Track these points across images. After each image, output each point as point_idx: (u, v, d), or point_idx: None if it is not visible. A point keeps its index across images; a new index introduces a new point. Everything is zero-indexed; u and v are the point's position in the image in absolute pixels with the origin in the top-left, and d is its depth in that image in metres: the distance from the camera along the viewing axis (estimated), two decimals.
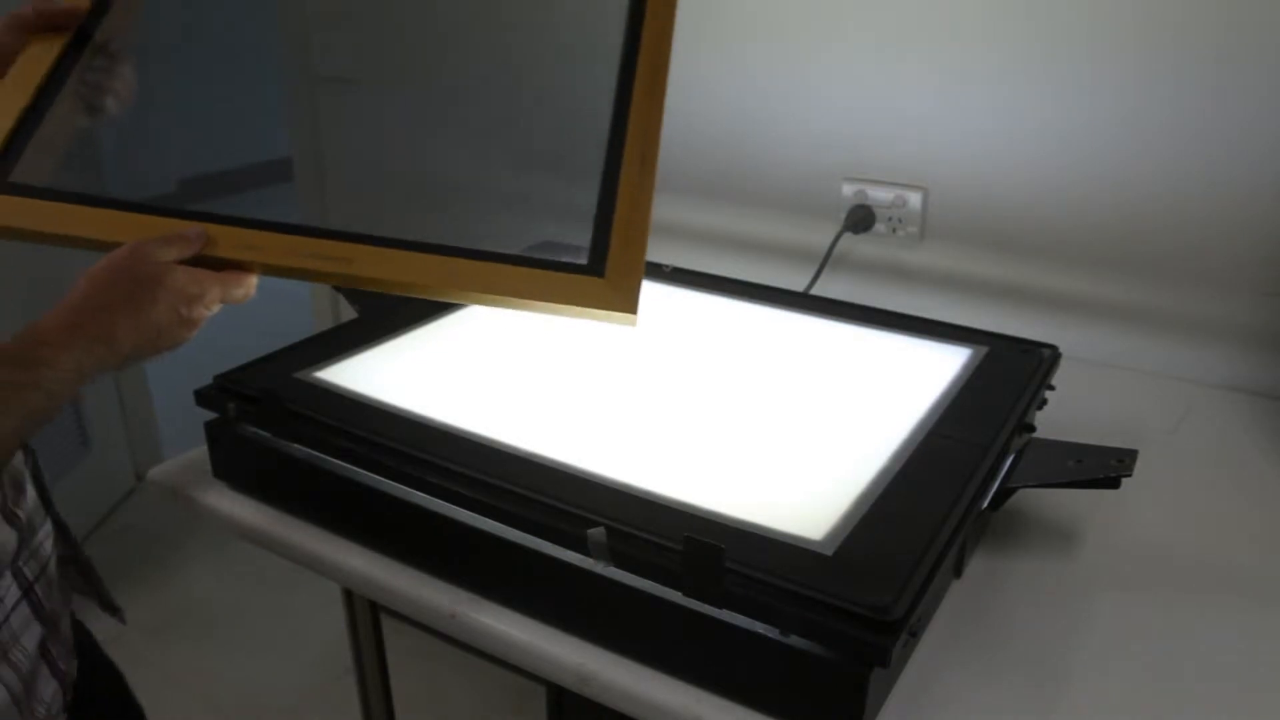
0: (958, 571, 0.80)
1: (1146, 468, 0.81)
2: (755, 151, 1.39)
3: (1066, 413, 0.99)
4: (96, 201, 0.74)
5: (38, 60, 0.80)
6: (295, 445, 0.85)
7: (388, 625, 1.20)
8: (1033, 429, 0.94)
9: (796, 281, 1.32)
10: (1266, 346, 1.15)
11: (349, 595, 1.18)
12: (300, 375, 0.92)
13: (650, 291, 1.15)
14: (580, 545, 0.70)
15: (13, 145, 0.76)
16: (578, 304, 0.68)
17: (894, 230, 1.33)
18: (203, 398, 0.92)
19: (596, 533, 0.69)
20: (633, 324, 0.68)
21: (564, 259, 0.71)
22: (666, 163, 1.16)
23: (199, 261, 0.70)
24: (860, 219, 1.35)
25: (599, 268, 0.70)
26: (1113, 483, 0.79)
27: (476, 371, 0.97)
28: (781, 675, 0.65)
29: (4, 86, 0.79)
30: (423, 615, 0.79)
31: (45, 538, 0.76)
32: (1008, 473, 0.81)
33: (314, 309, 2.38)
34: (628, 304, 0.68)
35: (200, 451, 0.95)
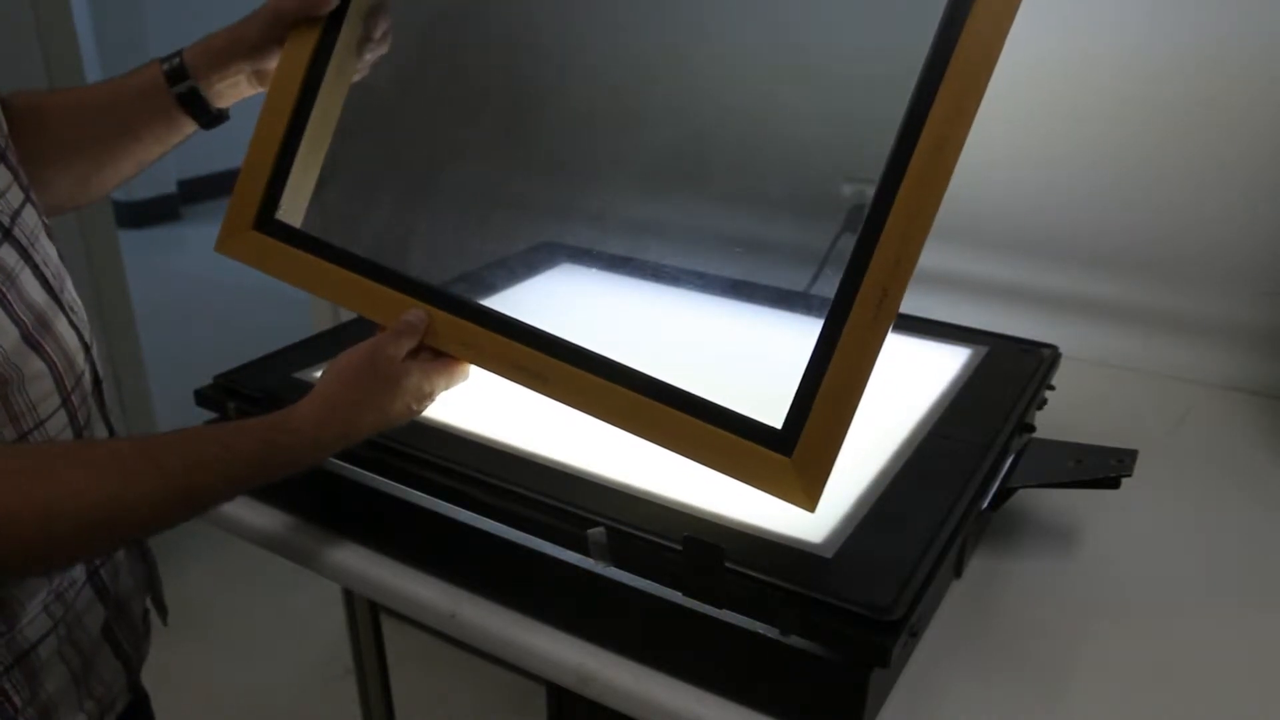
0: (958, 571, 0.80)
1: (1146, 468, 0.81)
2: (755, 151, 1.39)
3: (1066, 413, 0.99)
4: (340, 260, 0.79)
5: (295, 62, 0.81)
6: None
7: (388, 625, 1.20)
8: (1033, 429, 0.94)
9: (796, 281, 1.32)
10: (1266, 346, 1.15)
11: (349, 595, 1.18)
12: (300, 375, 0.92)
13: (651, 291, 1.15)
14: (580, 545, 0.70)
15: (282, 162, 0.82)
16: (753, 481, 0.66)
17: None
18: (202, 398, 0.92)
19: (596, 533, 0.69)
20: (810, 511, 0.65)
21: (756, 418, 0.66)
22: (665, 163, 1.15)
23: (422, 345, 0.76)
24: (860, 219, 1.35)
25: (789, 440, 0.65)
26: (1113, 483, 0.80)
27: (476, 372, 0.97)
28: (781, 675, 0.65)
29: (268, 101, 0.82)
30: (423, 615, 0.79)
31: None
32: (1008, 473, 0.81)
33: (313, 310, 2.38)
34: (807, 497, 0.64)
35: None
